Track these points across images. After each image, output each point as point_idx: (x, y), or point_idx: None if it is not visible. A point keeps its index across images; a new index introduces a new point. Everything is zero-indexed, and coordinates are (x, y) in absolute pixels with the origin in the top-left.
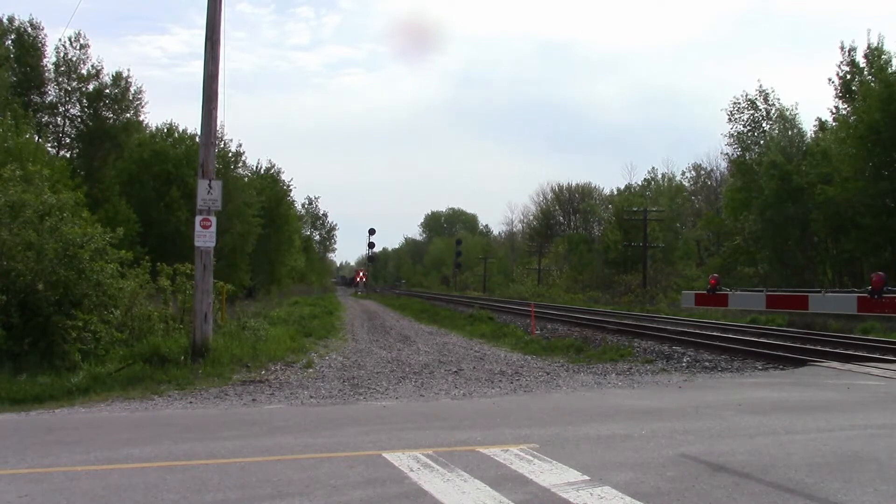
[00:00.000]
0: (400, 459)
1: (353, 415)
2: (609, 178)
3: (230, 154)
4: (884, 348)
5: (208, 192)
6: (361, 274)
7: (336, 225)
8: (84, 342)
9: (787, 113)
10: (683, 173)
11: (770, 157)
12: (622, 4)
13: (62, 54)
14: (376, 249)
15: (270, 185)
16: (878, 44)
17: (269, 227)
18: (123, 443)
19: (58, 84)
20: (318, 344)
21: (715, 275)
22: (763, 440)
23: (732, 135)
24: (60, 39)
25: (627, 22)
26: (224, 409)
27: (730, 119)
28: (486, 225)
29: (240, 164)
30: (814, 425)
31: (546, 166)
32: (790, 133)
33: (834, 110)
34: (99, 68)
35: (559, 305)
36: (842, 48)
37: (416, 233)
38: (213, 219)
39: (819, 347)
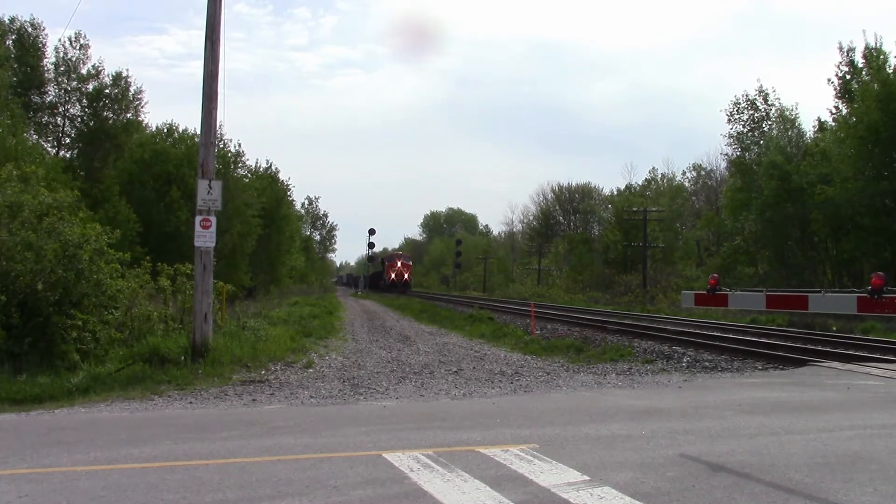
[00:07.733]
0: (400, 459)
1: (353, 415)
2: (609, 179)
3: (230, 154)
4: (884, 348)
5: (208, 193)
6: (400, 263)
7: (336, 225)
8: (83, 342)
9: (787, 113)
10: (684, 173)
11: (770, 158)
12: (621, 5)
13: (62, 54)
14: (376, 249)
15: (269, 185)
16: (877, 44)
17: (269, 227)
18: (123, 443)
19: (58, 84)
20: (319, 344)
21: (715, 275)
22: (763, 440)
23: (732, 135)
24: (60, 39)
25: (627, 22)
26: (224, 409)
27: (730, 119)
28: (486, 225)
29: (239, 165)
30: (814, 425)
31: (546, 166)
32: (790, 133)
33: (833, 110)
34: (99, 68)
35: (559, 305)
36: (840, 48)
37: (415, 233)
38: (213, 219)
39: (819, 347)
